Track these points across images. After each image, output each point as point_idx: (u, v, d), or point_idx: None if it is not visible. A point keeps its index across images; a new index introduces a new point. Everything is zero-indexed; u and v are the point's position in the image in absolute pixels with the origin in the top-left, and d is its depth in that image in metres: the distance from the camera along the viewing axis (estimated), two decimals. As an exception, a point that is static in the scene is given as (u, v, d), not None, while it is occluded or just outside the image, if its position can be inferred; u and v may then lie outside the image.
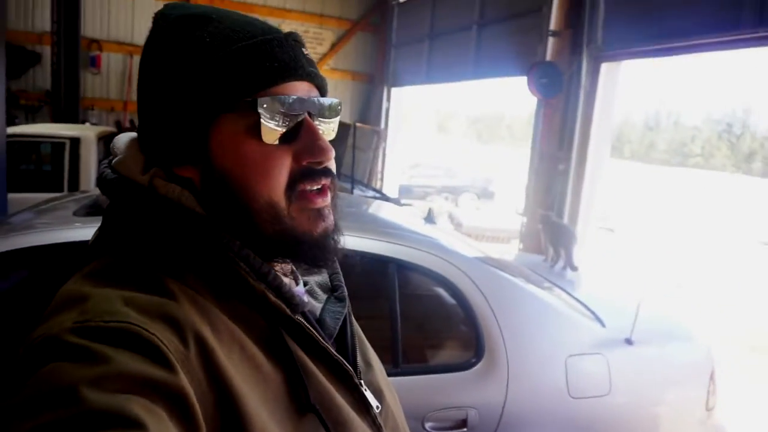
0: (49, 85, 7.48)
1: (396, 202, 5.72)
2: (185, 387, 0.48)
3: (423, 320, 2.20)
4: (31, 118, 7.77)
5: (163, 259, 0.57)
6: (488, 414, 1.92)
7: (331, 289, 0.75)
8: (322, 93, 0.65)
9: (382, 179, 9.26)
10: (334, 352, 0.63)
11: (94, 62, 8.23)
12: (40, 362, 0.46)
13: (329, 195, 0.64)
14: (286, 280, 0.64)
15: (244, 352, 0.56)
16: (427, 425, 1.86)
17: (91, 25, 7.94)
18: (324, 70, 9.67)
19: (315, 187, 0.61)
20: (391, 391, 0.76)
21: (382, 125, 9.46)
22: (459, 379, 1.95)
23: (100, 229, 0.63)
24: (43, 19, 7.65)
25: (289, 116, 0.58)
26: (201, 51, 0.58)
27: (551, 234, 3.32)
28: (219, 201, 0.60)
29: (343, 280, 0.76)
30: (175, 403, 0.46)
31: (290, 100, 0.58)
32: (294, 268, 0.70)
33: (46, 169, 5.11)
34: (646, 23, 4.21)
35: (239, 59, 0.57)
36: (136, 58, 8.64)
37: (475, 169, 17.98)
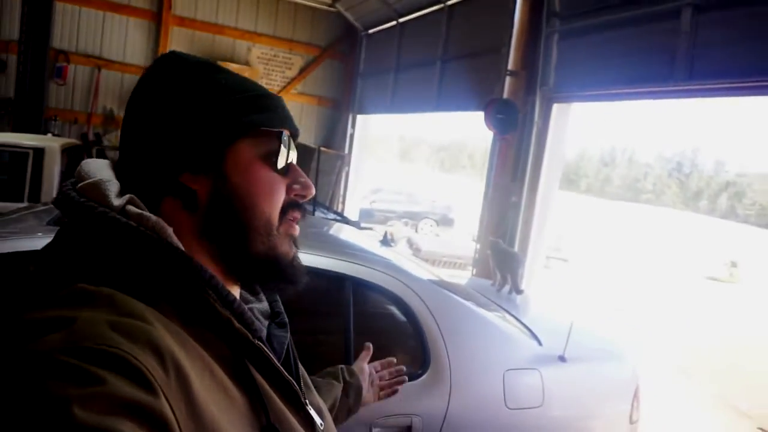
0: (12, 93, 7.41)
1: (356, 225, 5.88)
2: (168, 413, 0.50)
3: (375, 334, 2.36)
4: (-8, 127, 7.66)
5: (135, 285, 0.59)
6: (431, 421, 2.08)
7: (271, 316, 0.80)
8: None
9: (343, 202, 9.43)
10: (287, 374, 0.68)
11: (60, 73, 8.19)
12: (29, 379, 0.47)
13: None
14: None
15: (214, 377, 0.59)
16: (375, 430, 2.01)
17: (59, 37, 7.94)
18: (291, 94, 9.86)
19: (297, 216, 0.72)
20: (327, 411, 0.83)
21: (346, 150, 9.67)
22: (405, 389, 2.10)
23: (52, 249, 0.63)
24: (12, 28, 7.61)
25: (292, 151, 0.72)
26: (223, 89, 0.67)
27: (498, 259, 3.55)
28: (221, 213, 0.66)
29: (282, 307, 0.82)
30: (158, 428, 0.48)
31: (293, 140, 0.73)
32: (240, 295, 0.75)
33: (2, 178, 5.04)
34: (592, 70, 4.59)
35: (257, 99, 0.69)
36: (104, 72, 8.59)
37: (436, 197, 18.34)
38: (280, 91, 9.70)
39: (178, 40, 8.98)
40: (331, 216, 6.56)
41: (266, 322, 0.77)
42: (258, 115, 0.68)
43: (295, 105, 9.91)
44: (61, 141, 5.44)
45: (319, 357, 2.40)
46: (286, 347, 0.77)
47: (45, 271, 0.61)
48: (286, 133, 0.71)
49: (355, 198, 9.94)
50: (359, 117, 9.79)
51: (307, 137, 9.74)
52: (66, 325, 0.52)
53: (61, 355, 0.48)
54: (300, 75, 9.89)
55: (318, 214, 6.38)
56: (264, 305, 0.79)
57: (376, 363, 1.36)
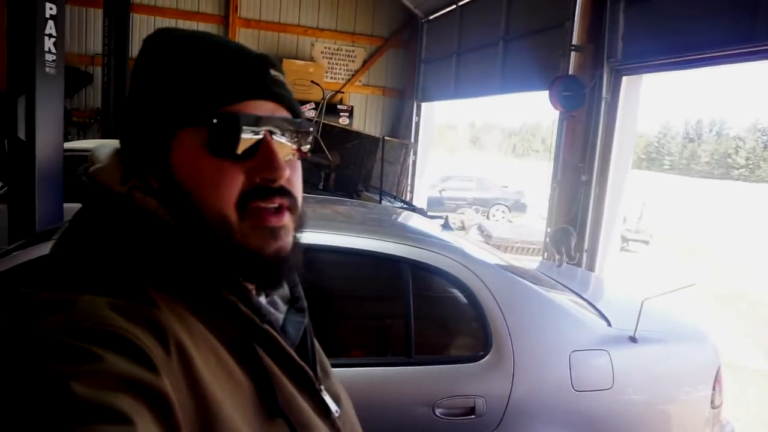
0: (100, 103, 7.97)
1: (422, 212, 5.90)
2: (168, 390, 0.50)
3: (435, 317, 2.37)
4: (83, 134, 8.29)
5: (140, 267, 0.58)
6: (495, 403, 2.07)
7: (291, 301, 0.77)
8: (294, 115, 0.66)
9: (411, 191, 9.45)
10: (298, 359, 0.67)
11: (140, 81, 8.73)
12: (30, 359, 0.48)
13: (287, 215, 0.64)
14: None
15: (219, 359, 0.59)
16: (438, 411, 2.02)
17: (137, 49, 8.46)
18: (356, 86, 9.97)
19: (270, 206, 0.62)
20: (347, 400, 0.80)
21: (412, 139, 9.67)
22: (468, 370, 2.11)
23: (67, 233, 0.64)
24: (96, 43, 8.18)
25: (245, 133, 0.60)
26: (169, 68, 0.61)
27: (553, 239, 3.60)
28: (179, 212, 0.61)
29: (302, 292, 0.78)
30: (158, 404, 0.48)
31: (248, 118, 0.60)
32: None
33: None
34: (663, 37, 4.31)
35: (201, 76, 0.60)
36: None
37: (508, 182, 17.95)
38: (344, 85, 9.84)
39: (244, 41, 9.29)
40: (398, 204, 6.62)
41: (284, 307, 0.75)
42: (202, 93, 0.60)
43: (360, 97, 10.02)
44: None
45: (379, 341, 2.44)
46: (302, 332, 0.73)
47: (60, 252, 0.62)
48: (243, 111, 0.60)
49: (423, 186, 9.93)
50: (424, 105, 9.75)
51: (372, 128, 9.83)
52: (67, 306, 0.52)
53: (60, 335, 0.49)
54: (363, 67, 9.97)
55: (384, 202, 6.47)
56: (285, 290, 0.77)
57: None
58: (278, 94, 0.63)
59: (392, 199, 6.94)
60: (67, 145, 5.41)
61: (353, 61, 9.93)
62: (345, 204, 3.32)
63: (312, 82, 8.54)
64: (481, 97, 7.98)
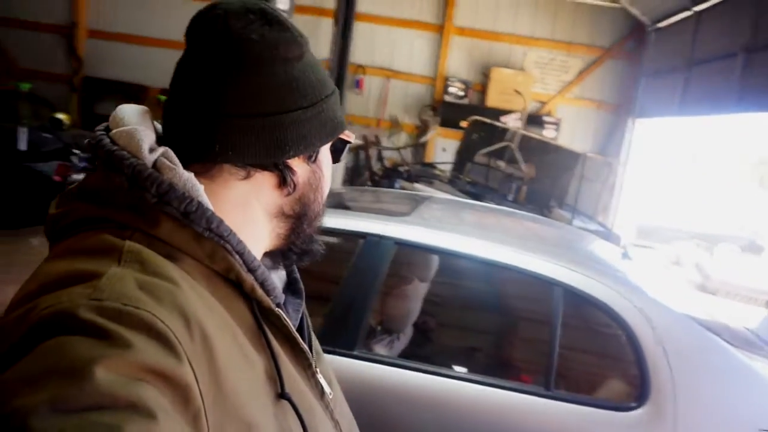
0: (321, 102, 8.88)
1: (615, 240, 5.33)
2: (191, 378, 0.50)
3: (583, 350, 2.12)
4: (305, 130, 9.31)
5: (162, 241, 0.59)
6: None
7: (288, 283, 0.80)
8: None
9: (614, 214, 8.63)
10: (301, 342, 0.68)
11: (358, 84, 9.49)
12: (48, 334, 0.46)
13: None
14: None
15: (235, 341, 0.59)
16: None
17: (359, 53, 9.18)
18: (567, 98, 9.47)
19: None
20: (336, 382, 0.81)
21: (623, 158, 8.83)
22: (614, 420, 1.84)
23: (80, 197, 0.62)
24: (323, 48, 9.12)
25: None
26: (325, 80, 0.71)
27: None
28: (307, 197, 0.71)
29: (298, 274, 0.82)
30: (182, 397, 0.48)
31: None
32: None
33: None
34: None
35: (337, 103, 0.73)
36: (393, 81, 9.65)
37: (744, 217, 15.32)
38: (554, 96, 9.42)
39: (456, 49, 9.48)
40: (592, 226, 6.09)
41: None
42: (341, 125, 0.73)
43: (570, 109, 9.49)
44: (347, 141, 6.34)
45: (516, 362, 2.27)
46: (300, 315, 0.77)
47: (72, 214, 0.61)
48: (349, 136, 0.76)
49: (630, 210, 9.01)
50: (640, 121, 8.83)
51: (581, 142, 9.19)
52: (91, 279, 0.51)
53: (85, 312, 0.47)
54: (577, 78, 9.42)
55: (577, 222, 6.01)
56: (282, 273, 0.79)
57: None
58: None
59: (587, 220, 6.42)
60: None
61: (566, 72, 9.44)
62: (520, 217, 3.16)
63: (515, 91, 8.33)
64: (710, 115, 6.93)
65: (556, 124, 9.04)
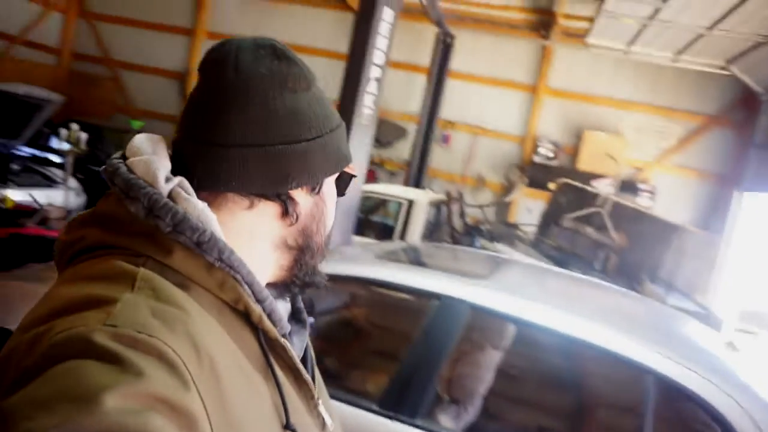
0: (408, 155, 8.99)
1: (716, 324, 4.85)
2: (200, 409, 0.50)
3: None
4: (389, 181, 9.44)
5: (175, 270, 0.59)
6: None
7: (292, 313, 0.79)
8: None
9: (714, 294, 7.91)
10: (305, 373, 0.68)
11: (445, 139, 9.56)
12: (61, 358, 0.46)
13: None
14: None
15: (242, 371, 0.59)
16: None
17: (449, 109, 9.28)
18: (666, 166, 8.99)
19: None
20: (336, 413, 0.80)
21: (727, 233, 8.15)
22: None
23: (94, 223, 0.63)
24: (414, 103, 9.31)
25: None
26: (332, 114, 0.72)
27: None
28: (309, 228, 0.72)
29: (302, 304, 0.81)
30: (189, 424, 0.48)
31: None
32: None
33: (386, 222, 6.20)
34: None
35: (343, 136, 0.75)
36: (481, 138, 9.65)
37: None
38: (651, 163, 8.99)
39: (549, 109, 9.35)
40: (690, 306, 5.59)
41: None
42: (347, 158, 0.74)
43: (668, 178, 8.99)
44: (430, 195, 6.35)
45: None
46: (304, 345, 0.78)
47: (86, 240, 0.62)
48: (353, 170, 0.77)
49: (733, 291, 8.23)
50: (750, 195, 8.17)
51: (679, 214, 8.60)
52: (105, 305, 0.51)
53: (101, 338, 0.47)
54: (677, 145, 8.94)
55: (671, 299, 5.54)
56: (287, 304, 0.78)
57: None
58: None
59: (683, 297, 5.92)
60: (370, 187, 6.24)
61: (665, 138, 8.99)
62: (608, 289, 2.95)
63: (609, 155, 8.03)
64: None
65: (652, 192, 8.57)
